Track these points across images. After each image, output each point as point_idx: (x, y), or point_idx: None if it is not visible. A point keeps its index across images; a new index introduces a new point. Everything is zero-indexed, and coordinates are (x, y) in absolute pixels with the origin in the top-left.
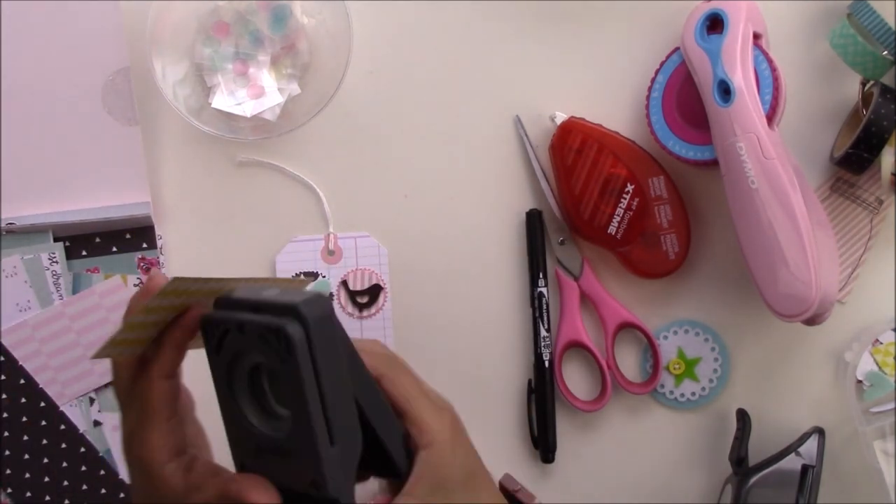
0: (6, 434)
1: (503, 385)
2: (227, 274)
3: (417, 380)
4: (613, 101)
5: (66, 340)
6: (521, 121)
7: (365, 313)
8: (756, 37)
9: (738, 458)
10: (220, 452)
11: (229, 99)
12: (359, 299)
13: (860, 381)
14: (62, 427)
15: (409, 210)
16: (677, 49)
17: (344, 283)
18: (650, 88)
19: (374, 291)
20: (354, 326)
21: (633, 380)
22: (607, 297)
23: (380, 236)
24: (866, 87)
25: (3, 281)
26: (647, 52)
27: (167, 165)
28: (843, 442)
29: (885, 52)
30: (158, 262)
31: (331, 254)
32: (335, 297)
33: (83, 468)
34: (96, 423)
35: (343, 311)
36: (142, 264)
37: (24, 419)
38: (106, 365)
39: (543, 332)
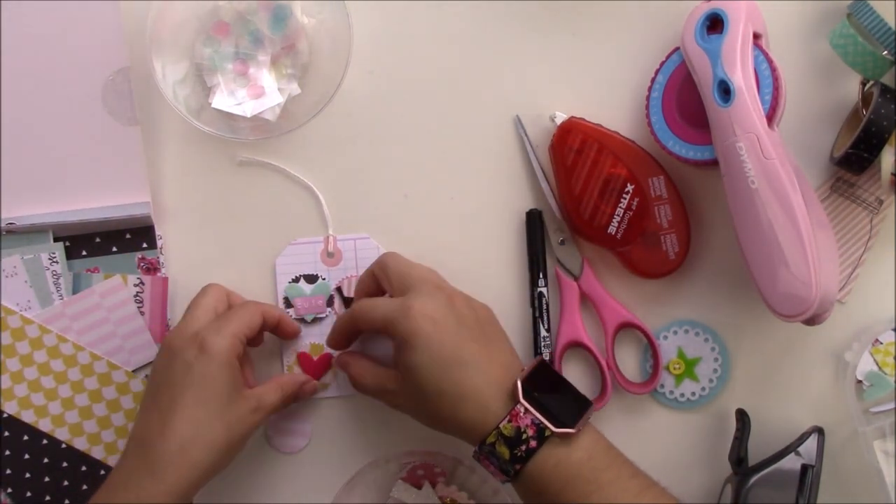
0: (6, 434)
1: None
2: (228, 273)
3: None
4: (613, 101)
5: None
6: (521, 121)
7: None
8: (756, 37)
9: (738, 458)
10: None
11: (229, 99)
12: None
13: (860, 381)
14: None
15: (409, 210)
16: (677, 49)
17: (338, 290)
18: (650, 88)
19: None
20: None
21: (633, 380)
22: (607, 297)
23: (380, 237)
24: (866, 87)
25: (3, 281)
26: (647, 52)
27: (167, 165)
28: (843, 442)
29: (885, 52)
30: (158, 262)
31: (330, 256)
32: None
33: (83, 468)
34: None
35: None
36: (142, 264)
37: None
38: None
39: (543, 332)
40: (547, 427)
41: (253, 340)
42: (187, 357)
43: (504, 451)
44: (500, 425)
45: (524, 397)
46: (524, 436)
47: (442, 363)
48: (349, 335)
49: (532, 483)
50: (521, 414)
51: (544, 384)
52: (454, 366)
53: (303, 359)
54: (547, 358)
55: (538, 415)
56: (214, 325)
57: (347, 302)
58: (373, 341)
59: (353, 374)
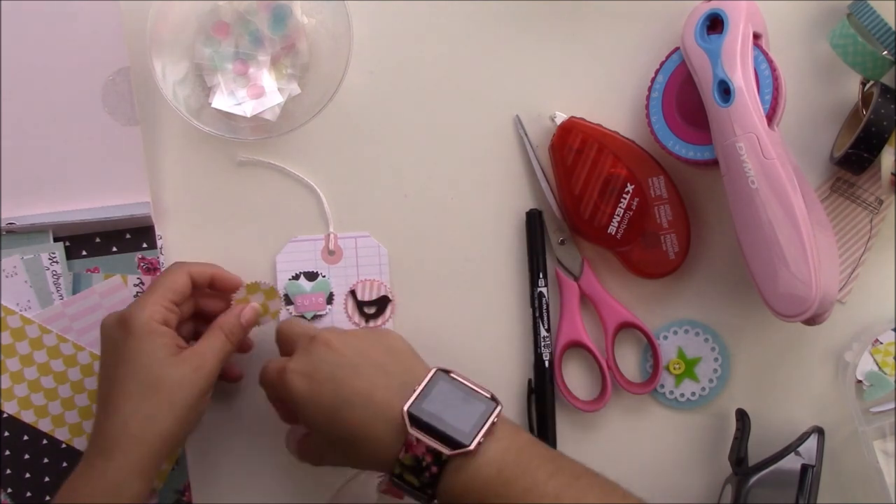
0: (6, 434)
1: (503, 385)
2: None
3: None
4: (613, 101)
5: None
6: (521, 121)
7: (371, 324)
8: (756, 37)
9: (738, 458)
10: None
11: (229, 99)
12: (366, 310)
13: (860, 381)
14: None
15: (409, 210)
16: (677, 49)
17: (352, 293)
18: (650, 88)
19: (382, 303)
20: None
21: (633, 380)
22: (607, 297)
23: (380, 236)
24: (866, 87)
25: (3, 281)
26: (647, 52)
27: (167, 165)
28: (843, 442)
29: (885, 52)
30: (158, 262)
31: (331, 254)
32: (343, 306)
33: None
34: None
35: (350, 321)
36: (142, 264)
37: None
38: None
39: (543, 332)
40: (440, 452)
41: (208, 308)
42: (115, 337)
43: (412, 479)
44: (400, 457)
45: (412, 424)
46: (424, 463)
47: (325, 413)
48: (279, 407)
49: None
50: (415, 443)
51: (441, 396)
52: (339, 411)
53: None
54: (547, 358)
55: (429, 441)
56: (136, 300)
57: (361, 305)
58: None
59: (289, 441)
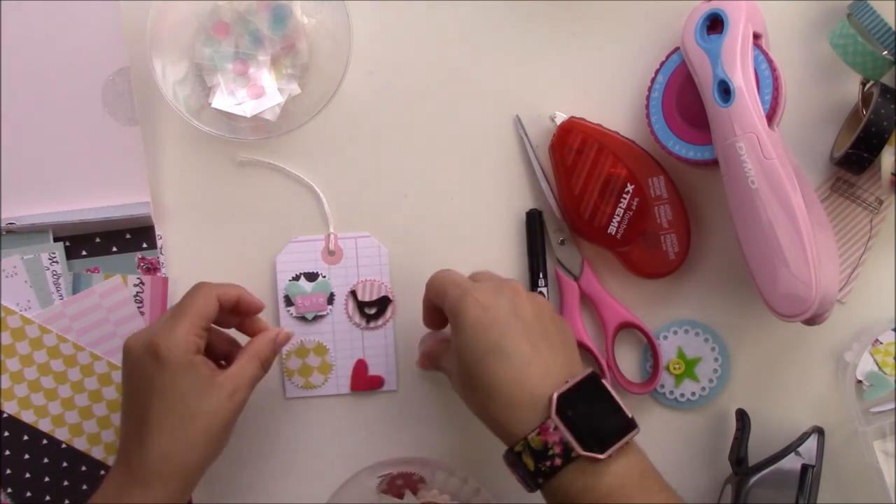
0: (6, 434)
1: None
2: (228, 272)
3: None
4: (613, 101)
5: None
6: (521, 121)
7: (372, 324)
8: (756, 37)
9: (738, 458)
10: None
11: (229, 99)
12: (367, 310)
13: (860, 381)
14: None
15: (409, 210)
16: (677, 49)
17: (353, 293)
18: (650, 88)
19: (383, 303)
20: (356, 336)
21: (633, 380)
22: (607, 297)
23: (380, 236)
24: (866, 87)
25: (3, 281)
26: (647, 52)
27: (167, 165)
28: (843, 442)
29: (885, 52)
30: (158, 262)
31: (331, 254)
32: (344, 307)
33: (83, 468)
34: None
35: (350, 322)
36: (142, 264)
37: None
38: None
39: None
40: (574, 449)
41: (222, 323)
42: (146, 367)
43: (529, 462)
44: (529, 437)
45: (557, 412)
46: (550, 451)
47: (481, 350)
48: (431, 310)
49: (557, 500)
50: (551, 430)
51: (589, 399)
52: (491, 355)
53: (359, 366)
54: None
55: (567, 434)
56: (167, 327)
57: (361, 306)
58: None
59: (425, 350)
